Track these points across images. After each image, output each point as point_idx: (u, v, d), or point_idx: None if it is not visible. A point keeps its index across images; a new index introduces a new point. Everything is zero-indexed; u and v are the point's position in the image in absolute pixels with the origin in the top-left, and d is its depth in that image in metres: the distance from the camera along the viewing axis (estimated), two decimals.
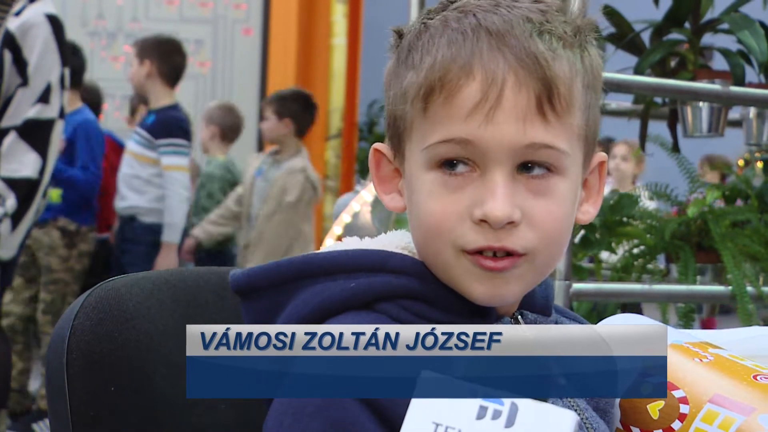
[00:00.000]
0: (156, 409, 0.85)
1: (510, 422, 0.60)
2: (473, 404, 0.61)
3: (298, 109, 4.03)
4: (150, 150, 3.77)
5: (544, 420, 0.60)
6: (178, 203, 3.75)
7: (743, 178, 2.21)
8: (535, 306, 0.83)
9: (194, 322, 0.90)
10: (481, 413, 0.60)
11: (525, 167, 0.76)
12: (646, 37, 2.16)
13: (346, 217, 2.69)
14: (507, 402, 0.61)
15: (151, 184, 3.79)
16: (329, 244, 2.86)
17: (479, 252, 0.76)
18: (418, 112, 0.77)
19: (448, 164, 0.76)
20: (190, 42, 6.63)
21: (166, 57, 3.84)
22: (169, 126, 3.78)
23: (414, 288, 0.78)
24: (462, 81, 0.75)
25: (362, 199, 2.63)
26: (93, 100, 4.37)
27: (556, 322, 0.86)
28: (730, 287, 1.94)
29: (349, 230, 2.75)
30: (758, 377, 0.83)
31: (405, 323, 0.76)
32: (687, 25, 2.14)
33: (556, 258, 0.80)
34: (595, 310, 2.01)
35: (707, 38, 2.19)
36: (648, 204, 2.21)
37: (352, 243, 0.83)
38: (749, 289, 1.94)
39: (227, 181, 4.45)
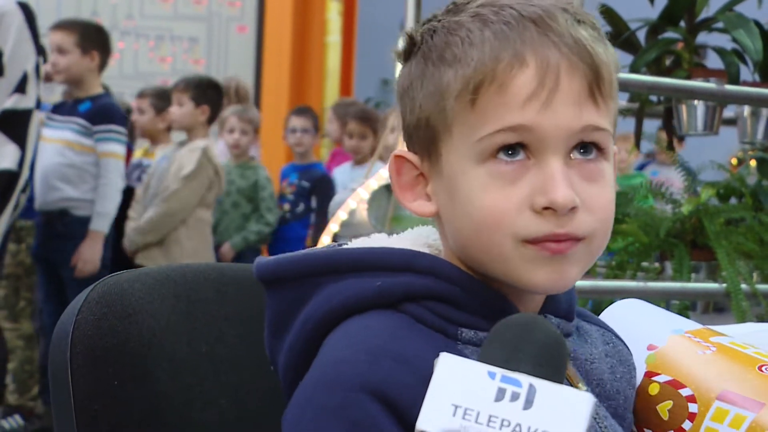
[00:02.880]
0: (158, 404, 0.86)
1: (528, 404, 0.61)
2: (492, 386, 0.61)
3: (214, 97, 4.04)
4: (87, 137, 3.58)
5: (562, 402, 0.61)
6: (113, 192, 3.57)
7: (737, 176, 2.22)
8: (560, 311, 0.83)
9: (195, 317, 0.91)
10: (500, 395, 0.61)
11: (578, 151, 0.76)
12: (641, 35, 2.17)
13: (342, 215, 2.69)
14: (525, 384, 0.61)
15: (87, 174, 3.58)
16: (325, 242, 2.87)
17: (540, 240, 0.75)
18: (464, 106, 0.76)
19: (504, 152, 0.75)
20: (184, 39, 6.63)
21: (107, 48, 3.76)
22: (108, 112, 3.62)
23: (439, 289, 0.77)
24: (515, 69, 0.74)
25: (359, 196, 2.64)
26: None
27: (578, 328, 0.86)
28: (724, 285, 1.95)
29: (346, 227, 2.76)
30: (763, 368, 0.82)
31: (428, 325, 0.77)
32: (682, 23, 2.15)
33: (606, 241, 0.80)
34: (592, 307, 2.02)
35: (702, 37, 2.20)
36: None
37: (380, 239, 0.83)
38: (743, 286, 1.95)
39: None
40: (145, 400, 0.85)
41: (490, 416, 0.60)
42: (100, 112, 3.62)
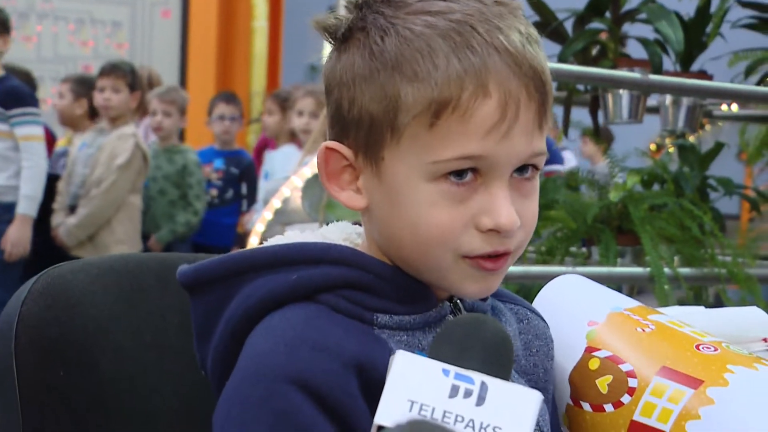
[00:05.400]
0: (103, 393, 0.86)
1: (481, 400, 0.63)
2: (446, 383, 0.64)
3: (141, 84, 4.04)
4: (0, 123, 3.49)
5: (512, 399, 0.64)
6: (39, 175, 3.51)
7: (660, 163, 2.29)
8: None
9: (138, 307, 0.91)
10: (454, 392, 0.63)
11: (518, 171, 0.79)
12: (568, 25, 2.22)
13: (276, 203, 2.69)
14: (477, 381, 0.64)
15: (4, 160, 3.51)
16: (259, 230, 2.84)
17: (480, 256, 0.78)
18: (421, 125, 0.76)
19: (455, 175, 0.77)
20: (107, 23, 6.50)
21: (5, 29, 3.58)
22: (19, 95, 3.53)
23: (353, 278, 0.79)
24: (479, 100, 0.75)
25: (293, 184, 2.63)
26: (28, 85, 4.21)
27: (492, 307, 0.89)
28: (648, 269, 2.01)
29: (280, 215, 2.76)
30: (701, 347, 0.85)
31: (345, 313, 0.79)
32: (608, 14, 2.20)
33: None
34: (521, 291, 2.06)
35: (625, 27, 2.27)
36: None
37: (294, 236, 0.84)
38: (666, 270, 2.01)
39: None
40: (91, 389, 0.85)
41: (445, 412, 0.63)
42: (12, 96, 3.51)
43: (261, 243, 0.84)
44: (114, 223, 3.81)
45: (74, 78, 4.47)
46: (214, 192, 4.47)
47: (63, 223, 3.82)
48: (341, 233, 0.85)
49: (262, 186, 4.32)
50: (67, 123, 4.43)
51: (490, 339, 0.67)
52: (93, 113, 4.28)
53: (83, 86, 4.26)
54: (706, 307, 1.11)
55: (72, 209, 3.87)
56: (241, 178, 4.51)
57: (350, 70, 0.79)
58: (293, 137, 4.29)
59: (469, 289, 0.80)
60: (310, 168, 2.43)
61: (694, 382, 0.81)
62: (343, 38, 0.81)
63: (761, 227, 2.92)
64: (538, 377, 0.88)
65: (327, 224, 0.89)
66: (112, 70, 4.00)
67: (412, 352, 0.77)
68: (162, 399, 0.90)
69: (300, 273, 0.78)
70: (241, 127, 4.75)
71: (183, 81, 6.37)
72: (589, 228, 2.05)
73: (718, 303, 2.76)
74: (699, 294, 2.41)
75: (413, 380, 0.63)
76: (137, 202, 3.90)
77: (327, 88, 0.82)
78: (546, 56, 0.81)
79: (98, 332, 0.86)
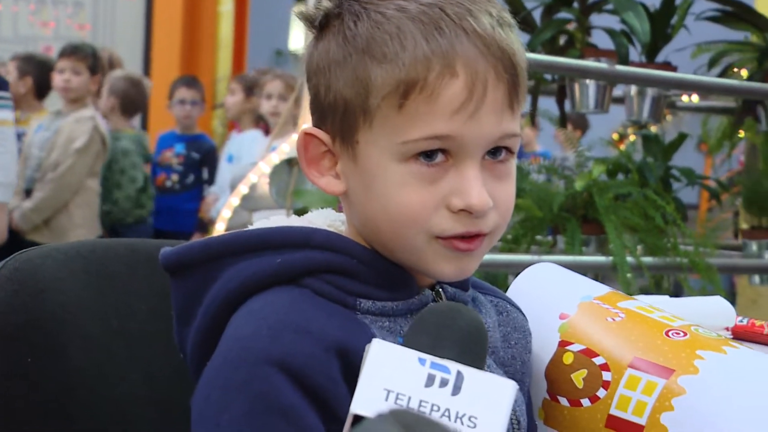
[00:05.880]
0: (71, 380, 0.85)
1: (456, 390, 0.63)
2: (422, 372, 0.64)
3: (103, 67, 3.98)
4: None
5: (487, 388, 0.64)
6: (12, 160, 3.38)
7: (625, 153, 2.31)
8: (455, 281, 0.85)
9: (105, 293, 0.91)
10: (430, 381, 0.63)
11: (491, 153, 0.79)
12: (537, 15, 2.23)
13: (243, 189, 2.68)
14: (453, 371, 0.64)
15: None
16: (225, 216, 2.80)
17: (452, 236, 0.78)
18: (390, 106, 0.77)
19: (425, 156, 0.77)
20: (69, 4, 6.40)
21: None
22: None
23: (337, 262, 0.79)
24: (446, 79, 0.76)
25: (260, 170, 2.62)
26: None
27: (473, 299, 0.89)
28: (611, 257, 2.03)
29: (247, 201, 2.75)
30: (670, 333, 0.86)
31: (328, 297, 0.79)
32: (576, 4, 2.22)
33: (504, 230, 0.84)
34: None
35: (592, 17, 2.29)
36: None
37: (279, 220, 0.84)
38: (629, 259, 2.04)
39: (142, 157, 4.24)
40: (59, 376, 0.84)
41: (421, 401, 0.63)
42: None
43: (227, 230, 0.84)
44: (71, 208, 3.75)
45: (22, 56, 4.36)
46: (175, 178, 4.44)
47: (18, 207, 3.75)
48: (326, 219, 0.86)
49: (225, 168, 4.29)
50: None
51: (465, 328, 0.67)
52: (41, 93, 4.19)
53: (29, 64, 4.16)
54: (669, 296, 1.12)
55: (27, 193, 3.81)
56: (202, 162, 4.48)
57: (326, 57, 0.80)
58: (258, 121, 4.26)
59: (444, 270, 0.80)
60: (278, 154, 2.43)
61: (666, 372, 0.82)
62: (320, 26, 0.82)
63: (719, 216, 2.97)
64: (516, 369, 0.89)
65: (294, 210, 0.89)
66: (73, 51, 3.93)
67: (394, 338, 0.77)
68: (130, 386, 0.89)
69: (284, 256, 0.78)
70: (202, 111, 4.71)
71: (147, 65, 6.30)
72: (555, 216, 2.07)
73: (678, 291, 2.80)
74: (659, 282, 2.45)
75: (389, 369, 0.63)
76: (95, 187, 3.85)
77: (307, 76, 0.84)
78: (520, 40, 0.81)
79: (66, 318, 0.85)
